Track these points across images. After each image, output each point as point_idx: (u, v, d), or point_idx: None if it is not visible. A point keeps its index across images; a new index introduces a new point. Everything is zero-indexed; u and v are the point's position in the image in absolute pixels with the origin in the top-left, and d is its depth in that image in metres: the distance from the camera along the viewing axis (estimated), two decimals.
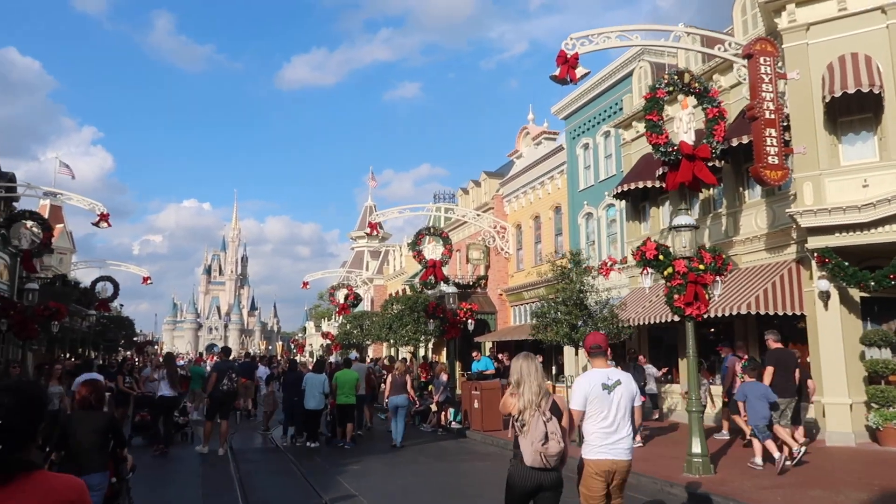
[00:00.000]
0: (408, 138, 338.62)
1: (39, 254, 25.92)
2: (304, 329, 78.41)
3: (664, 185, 14.20)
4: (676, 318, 15.26)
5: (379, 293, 47.56)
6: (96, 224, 26.72)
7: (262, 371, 20.39)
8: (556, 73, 12.60)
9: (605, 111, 23.17)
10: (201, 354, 77.56)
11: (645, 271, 10.81)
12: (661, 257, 10.46)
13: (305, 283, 48.16)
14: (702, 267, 10.39)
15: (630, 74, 21.18)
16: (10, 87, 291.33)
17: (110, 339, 35.82)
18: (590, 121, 24.26)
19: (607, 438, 5.10)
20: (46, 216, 49.40)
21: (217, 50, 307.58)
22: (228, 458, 13.34)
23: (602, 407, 5.13)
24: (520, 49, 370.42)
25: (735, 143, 14.49)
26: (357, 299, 42.61)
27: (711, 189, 17.40)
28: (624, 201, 20.55)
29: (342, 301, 43.28)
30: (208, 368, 24.11)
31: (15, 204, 28.53)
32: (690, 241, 10.58)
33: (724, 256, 10.83)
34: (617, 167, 22.46)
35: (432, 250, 34.59)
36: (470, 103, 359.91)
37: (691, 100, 13.90)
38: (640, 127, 19.90)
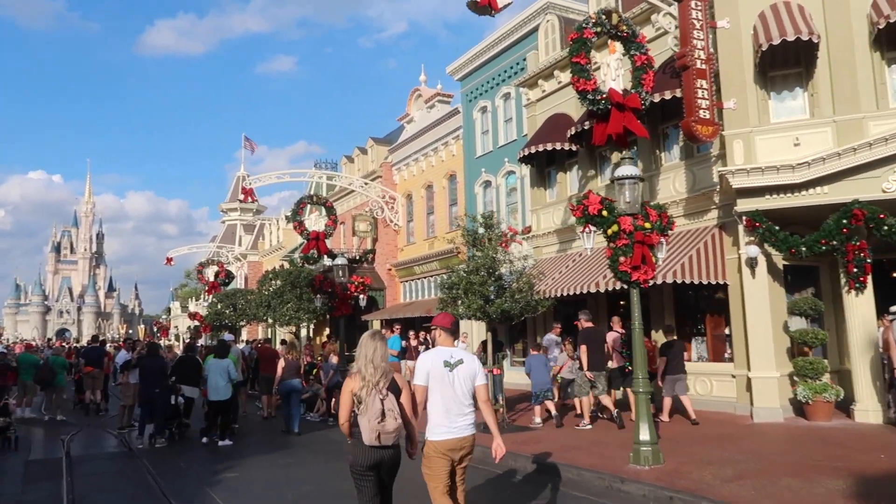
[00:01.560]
0: (283, 114, 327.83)
1: None
2: (169, 310, 72.40)
3: (592, 140, 12.74)
4: (595, 288, 14.11)
5: (253, 270, 44.07)
6: None
7: (122, 356, 17.11)
8: None
9: (506, 71, 21.63)
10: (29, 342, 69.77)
11: (586, 229, 9.23)
12: (604, 213, 8.89)
13: (169, 259, 43.73)
14: (647, 225, 8.95)
15: (535, 30, 19.70)
16: None
17: None
18: (488, 82, 22.65)
19: (448, 417, 5.02)
20: None
21: (69, 7, 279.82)
22: (62, 468, 10.52)
23: (442, 385, 5.07)
24: (399, 29, 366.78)
25: (657, 98, 13.26)
26: (229, 277, 39.08)
27: (623, 150, 16.27)
28: (529, 166, 19.16)
29: (212, 279, 39.58)
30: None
31: None
32: (636, 195, 9.10)
33: (668, 215, 9.46)
34: (518, 131, 21.03)
35: (315, 221, 31.99)
36: (348, 80, 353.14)
37: (618, 46, 12.50)
38: (547, 86, 18.54)
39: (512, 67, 21.33)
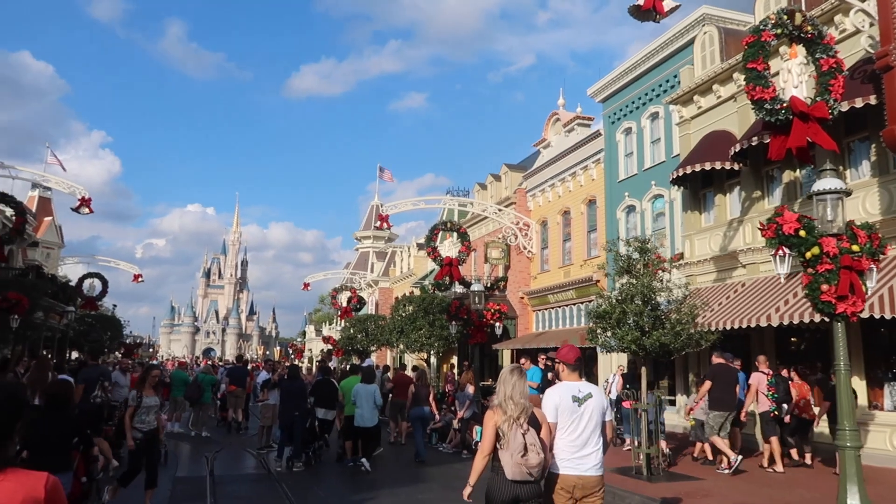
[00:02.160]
0: (412, 148, 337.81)
1: (10, 241, 23.04)
2: (304, 333, 75.30)
3: (768, 154, 11.32)
4: (767, 322, 12.49)
5: (384, 296, 44.65)
6: (76, 209, 24.02)
7: (263, 376, 17.43)
8: (640, 1, 9.82)
9: (654, 89, 20.35)
10: (198, 358, 74.61)
11: (780, 252, 7.93)
12: (802, 233, 7.59)
13: (306, 285, 45.36)
14: (856, 248, 7.54)
15: (689, 43, 18.37)
16: (21, 90, 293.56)
17: (94, 339, 32.82)
18: (633, 102, 21.45)
19: (575, 453, 4.93)
20: (34, 209, 46.72)
21: (227, 58, 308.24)
22: (206, 488, 10.43)
23: (572, 420, 4.99)
24: (527, 62, 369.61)
25: (846, 106, 11.63)
26: (361, 302, 39.77)
27: (797, 170, 14.58)
28: (681, 189, 17.73)
29: (345, 304, 40.47)
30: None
31: None
32: (839, 213, 7.73)
33: (879, 236, 7.96)
34: (668, 152, 19.63)
35: (448, 248, 31.81)
36: (476, 114, 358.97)
37: (800, 50, 11.09)
38: (703, 102, 17.14)
39: (661, 85, 20.04)
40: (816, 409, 11.86)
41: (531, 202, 28.10)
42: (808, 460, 12.04)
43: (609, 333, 12.16)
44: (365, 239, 54.25)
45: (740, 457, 11.49)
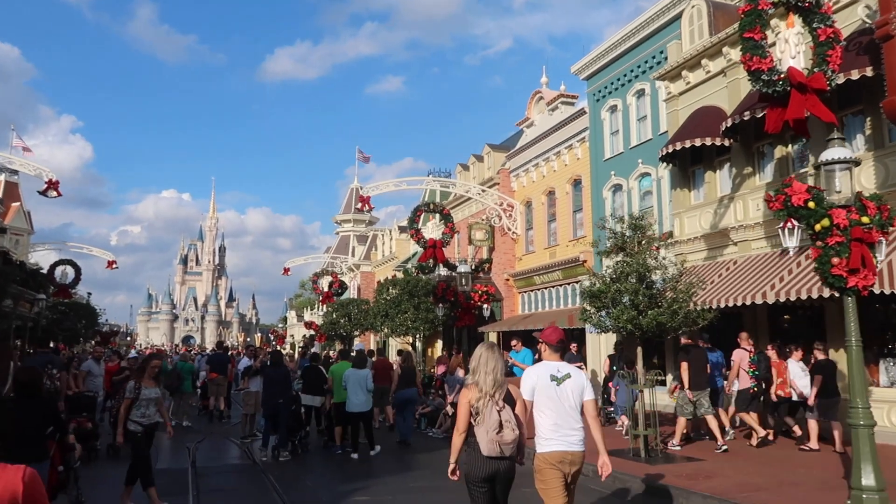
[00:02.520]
0: (391, 132, 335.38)
1: None
2: (285, 319, 74.57)
3: (765, 127, 11.02)
4: (763, 299, 12.28)
5: (366, 280, 44.19)
6: (44, 192, 23.18)
7: (244, 363, 16.91)
8: None
9: (641, 65, 19.99)
10: (176, 346, 73.55)
11: (789, 224, 7.62)
12: (811, 204, 7.28)
13: (286, 270, 44.66)
14: (866, 220, 7.25)
15: (677, 18, 17.99)
16: None
17: (68, 327, 32.04)
18: (619, 79, 21.08)
19: (557, 431, 4.95)
20: (0, 194, 45.44)
21: (199, 41, 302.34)
22: (188, 480, 10.00)
23: (550, 399, 5.00)
24: (504, 46, 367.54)
25: (842, 79, 11.34)
26: (342, 287, 39.20)
27: (789, 145, 14.34)
28: (669, 166, 17.45)
29: (326, 289, 39.93)
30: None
31: None
32: (848, 184, 7.44)
33: (889, 207, 7.69)
34: (654, 130, 19.34)
35: (431, 229, 31.38)
36: (454, 98, 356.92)
37: (796, 20, 10.77)
38: (692, 77, 16.82)
39: (647, 61, 19.69)
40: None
41: (515, 182, 27.72)
42: (795, 434, 12.10)
43: (603, 313, 11.86)
44: (345, 223, 53.59)
45: (731, 432, 12.07)
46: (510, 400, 4.83)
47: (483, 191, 27.46)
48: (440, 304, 18.07)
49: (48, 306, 35.39)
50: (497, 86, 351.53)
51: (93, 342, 47.00)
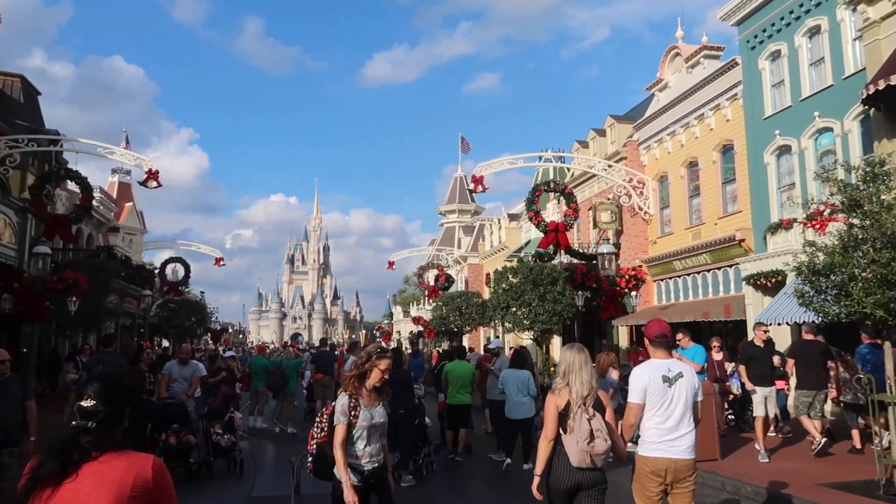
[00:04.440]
0: (488, 129, 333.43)
1: (78, 219, 21.39)
2: (391, 315, 73.43)
3: None
4: None
5: (474, 273, 41.82)
6: (143, 183, 22.09)
7: (350, 362, 14.70)
8: None
9: None
10: (285, 343, 74.13)
11: None
12: None
13: (391, 263, 43.04)
14: None
15: None
16: (115, 93, 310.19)
17: (176, 324, 31.56)
18: (783, 17, 17.44)
19: (666, 435, 4.70)
20: (115, 195, 46.33)
21: (303, 51, 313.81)
22: None
23: (661, 401, 4.74)
24: (601, 36, 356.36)
25: None
26: (449, 280, 37.11)
27: None
28: (860, 117, 13.86)
29: (432, 283, 37.96)
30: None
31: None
32: None
33: None
34: (836, 73, 15.67)
35: (551, 211, 28.55)
36: (550, 91, 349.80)
37: None
38: None
39: None
40: None
41: (645, 156, 24.39)
42: None
43: (830, 296, 8.69)
44: (450, 213, 51.46)
45: (825, 440, 10.57)
46: (600, 407, 4.56)
47: (609, 166, 24.30)
48: (579, 292, 15.27)
49: (158, 303, 35.46)
50: (593, 76, 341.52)
51: (206, 339, 47.30)
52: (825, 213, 15.57)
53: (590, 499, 4.48)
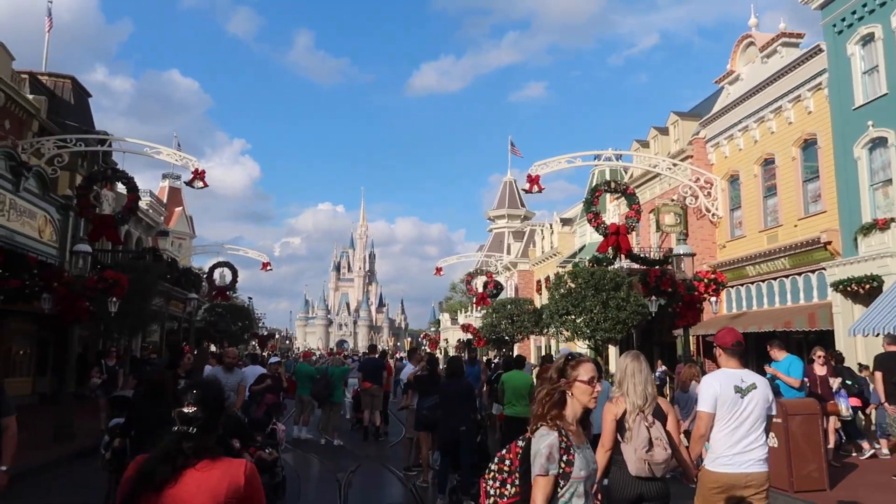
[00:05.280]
0: (534, 137, 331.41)
1: (124, 220, 20.88)
2: (438, 322, 72.32)
3: None
4: None
5: (524, 280, 40.51)
6: (190, 183, 21.56)
7: (408, 370, 13.36)
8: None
9: None
10: (330, 351, 73.72)
11: None
12: None
13: (439, 269, 42.03)
14: None
15: None
16: (172, 105, 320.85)
17: (222, 329, 31.10)
18: None
19: (734, 448, 4.48)
20: (165, 199, 46.54)
21: (351, 62, 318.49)
22: None
23: (731, 412, 4.53)
24: (649, 42, 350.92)
25: None
26: (498, 287, 35.80)
27: None
28: None
29: (481, 289, 36.76)
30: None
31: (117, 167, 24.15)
32: None
33: None
34: None
35: (612, 213, 27.14)
36: (597, 99, 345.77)
37: None
38: None
39: None
40: None
41: (713, 154, 22.82)
42: None
43: None
44: (499, 218, 50.20)
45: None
46: (660, 415, 4.41)
47: (674, 164, 22.79)
48: (653, 298, 13.93)
49: (205, 308, 35.16)
50: (643, 83, 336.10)
51: (254, 343, 47.06)
52: None
53: None
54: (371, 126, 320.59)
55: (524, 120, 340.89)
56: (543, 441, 3.07)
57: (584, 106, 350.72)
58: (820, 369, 10.68)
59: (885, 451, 11.47)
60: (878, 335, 13.98)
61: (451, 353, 44.50)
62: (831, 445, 10.56)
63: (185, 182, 21.47)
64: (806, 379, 10.18)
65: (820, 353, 10.96)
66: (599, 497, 4.12)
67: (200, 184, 21.11)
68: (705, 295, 13.31)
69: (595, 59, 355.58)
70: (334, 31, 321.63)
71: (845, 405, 10.93)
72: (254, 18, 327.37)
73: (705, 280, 13.36)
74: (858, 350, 15.58)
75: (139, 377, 11.31)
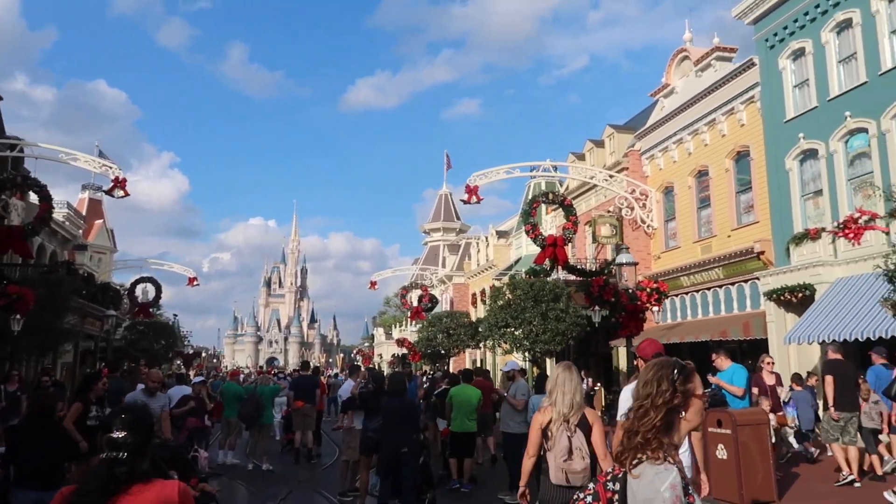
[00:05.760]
0: (468, 153, 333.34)
1: (35, 231, 19.31)
2: (372, 337, 71.05)
3: None
4: None
5: (459, 293, 40.12)
6: (110, 192, 20.23)
7: (346, 388, 12.29)
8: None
9: None
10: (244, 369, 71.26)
11: None
12: None
13: (373, 283, 41.28)
14: None
15: None
16: (98, 116, 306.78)
17: (144, 347, 29.27)
18: (807, 13, 16.18)
19: None
20: (84, 211, 43.98)
21: (286, 75, 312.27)
22: None
23: None
24: (579, 64, 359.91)
25: None
26: (433, 301, 35.28)
27: None
28: None
29: (416, 303, 36.12)
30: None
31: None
32: None
33: None
34: (870, 70, 14.40)
35: (549, 225, 27.03)
36: (529, 118, 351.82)
37: None
38: None
39: None
40: None
41: (648, 166, 23.02)
42: None
43: None
44: (434, 231, 49.73)
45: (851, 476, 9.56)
46: (585, 426, 4.49)
47: (611, 176, 22.87)
48: (595, 308, 13.62)
49: (126, 326, 33.14)
50: (573, 104, 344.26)
51: (178, 362, 44.76)
52: (861, 221, 14.31)
53: None
54: (306, 141, 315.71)
55: (458, 137, 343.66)
56: (663, 481, 2.34)
57: (518, 123, 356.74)
58: (769, 378, 10.51)
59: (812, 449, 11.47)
60: (811, 343, 14.16)
61: (385, 368, 43.57)
62: (784, 460, 10.39)
63: (104, 191, 20.08)
64: (756, 389, 10.00)
65: (769, 360, 10.80)
66: (527, 498, 4.48)
67: (121, 193, 19.79)
68: (648, 304, 13.11)
69: (528, 77, 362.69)
70: (269, 43, 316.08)
71: (793, 416, 10.82)
72: (186, 29, 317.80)
73: (647, 289, 13.19)
74: (791, 358, 15.76)
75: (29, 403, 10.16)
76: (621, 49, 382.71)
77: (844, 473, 9.69)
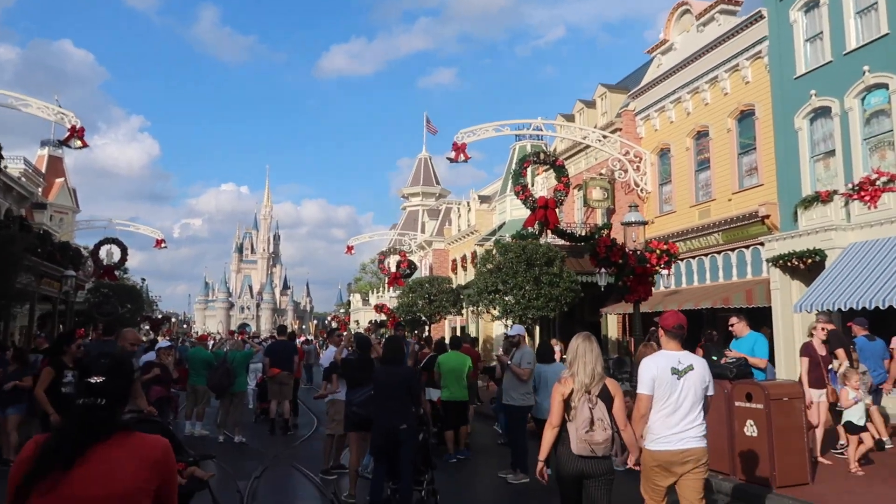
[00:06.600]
0: (444, 123, 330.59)
1: None
2: (348, 304, 69.65)
3: None
4: None
5: (439, 259, 39.05)
6: (65, 142, 18.66)
7: (329, 355, 10.98)
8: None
9: None
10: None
11: None
12: None
13: (350, 248, 40.16)
14: None
15: None
16: (65, 78, 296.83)
17: (107, 312, 27.76)
18: None
19: (672, 428, 4.61)
20: (44, 169, 41.81)
21: (259, 40, 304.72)
22: None
23: (668, 393, 4.65)
24: (556, 35, 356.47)
25: None
26: (412, 267, 34.28)
27: None
28: None
29: (394, 269, 35.06)
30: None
31: None
32: None
33: None
34: (892, 21, 13.41)
35: (540, 187, 26.00)
36: (506, 88, 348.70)
37: None
38: None
39: None
40: None
41: (642, 127, 22.00)
42: None
43: None
44: (413, 196, 48.36)
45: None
46: (606, 396, 4.51)
47: (604, 136, 21.80)
48: (602, 270, 12.64)
49: (90, 288, 31.54)
50: (550, 75, 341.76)
51: (144, 328, 43.23)
52: (878, 183, 13.47)
53: (596, 489, 4.47)
54: (280, 107, 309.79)
55: (434, 105, 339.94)
56: None
57: (495, 93, 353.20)
58: (821, 347, 9.35)
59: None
60: (824, 311, 13.36)
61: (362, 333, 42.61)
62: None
63: (60, 141, 18.50)
64: (805, 360, 9.12)
65: (821, 325, 9.52)
66: (546, 476, 4.56)
67: (79, 143, 18.23)
68: (657, 267, 12.16)
69: (505, 48, 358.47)
70: (241, 6, 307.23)
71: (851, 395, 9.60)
72: None
73: (657, 251, 12.20)
74: (796, 327, 15.03)
75: None
76: (598, 21, 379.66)
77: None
